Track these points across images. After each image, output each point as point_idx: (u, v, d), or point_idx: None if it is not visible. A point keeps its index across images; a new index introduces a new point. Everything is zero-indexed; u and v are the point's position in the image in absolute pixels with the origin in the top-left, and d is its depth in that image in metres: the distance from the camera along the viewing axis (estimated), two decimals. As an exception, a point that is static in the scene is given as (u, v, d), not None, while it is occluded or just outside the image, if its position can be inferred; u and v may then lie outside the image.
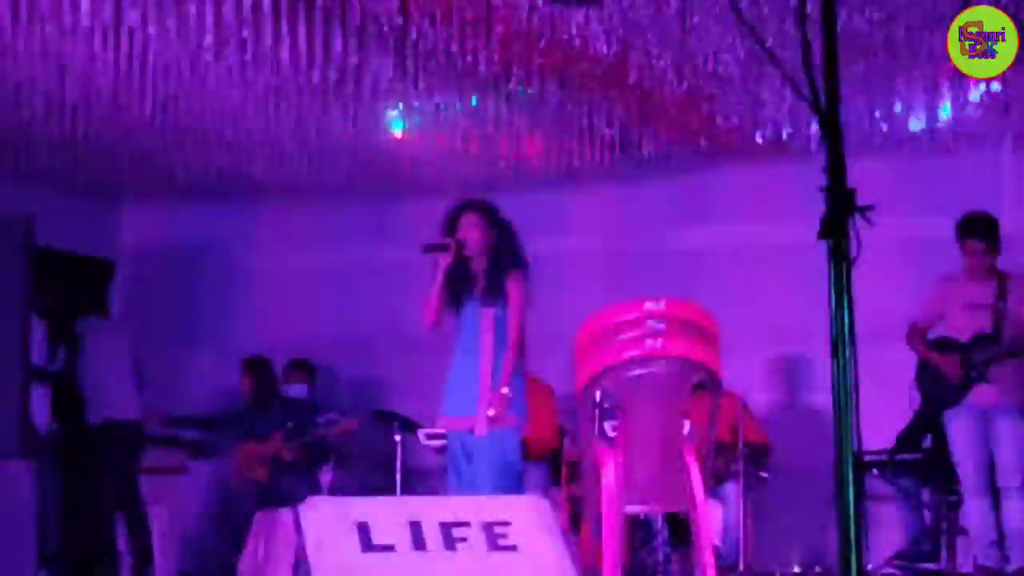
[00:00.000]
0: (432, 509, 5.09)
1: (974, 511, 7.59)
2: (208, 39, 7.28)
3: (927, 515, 8.55)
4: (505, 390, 6.41)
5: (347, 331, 10.52)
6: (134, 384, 9.37)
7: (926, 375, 7.77)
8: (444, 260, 6.54)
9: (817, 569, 8.83)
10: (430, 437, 8.83)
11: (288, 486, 9.19)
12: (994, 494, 7.55)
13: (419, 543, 4.86)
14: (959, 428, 7.58)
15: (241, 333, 10.56)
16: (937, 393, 7.68)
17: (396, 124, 8.97)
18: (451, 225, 6.62)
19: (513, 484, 6.39)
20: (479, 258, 6.62)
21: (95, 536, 9.06)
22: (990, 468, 7.54)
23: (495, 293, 6.55)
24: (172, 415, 9.94)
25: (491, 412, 6.39)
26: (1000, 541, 7.53)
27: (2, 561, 8.09)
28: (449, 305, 6.60)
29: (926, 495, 8.65)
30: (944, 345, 7.70)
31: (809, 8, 3.64)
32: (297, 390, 9.91)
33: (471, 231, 6.58)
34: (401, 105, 8.51)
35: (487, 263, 6.61)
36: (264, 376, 9.75)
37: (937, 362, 7.64)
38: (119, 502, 9.18)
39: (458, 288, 6.59)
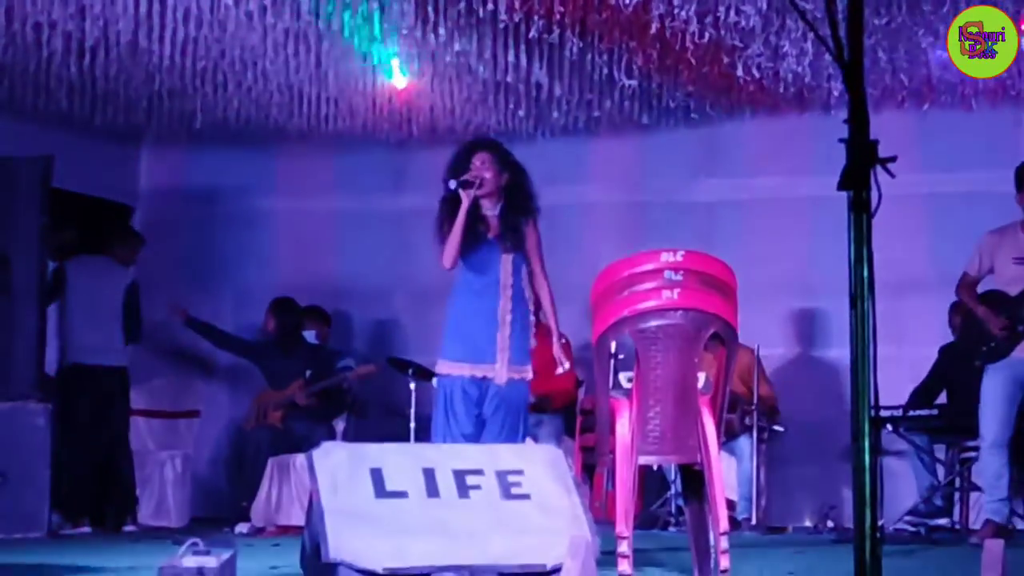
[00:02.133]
0: (446, 456, 5.09)
1: (989, 465, 7.51)
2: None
3: (940, 471, 8.54)
4: (564, 340, 6.72)
5: (362, 278, 10.51)
6: (119, 330, 9.21)
7: (972, 328, 7.64)
8: (468, 198, 6.25)
9: (830, 524, 8.83)
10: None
11: (302, 432, 9.20)
12: (1013, 452, 7.48)
13: (432, 490, 4.85)
14: (994, 380, 7.43)
15: (257, 277, 10.56)
16: (981, 346, 7.50)
17: (415, 71, 8.92)
18: (460, 165, 6.33)
19: (520, 436, 6.30)
20: (491, 199, 6.39)
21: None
22: (1011, 426, 7.45)
23: (515, 237, 6.34)
24: (193, 318, 9.84)
25: (567, 364, 6.56)
26: (1011, 498, 7.51)
27: (19, 501, 8.14)
28: (462, 246, 6.33)
29: (940, 451, 8.64)
30: (993, 298, 7.53)
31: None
32: (309, 336, 9.90)
33: (484, 171, 6.31)
34: (420, 52, 8.46)
35: (502, 205, 6.39)
36: (290, 320, 9.72)
37: (984, 315, 7.48)
38: (93, 449, 9.04)
39: (472, 229, 6.32)
